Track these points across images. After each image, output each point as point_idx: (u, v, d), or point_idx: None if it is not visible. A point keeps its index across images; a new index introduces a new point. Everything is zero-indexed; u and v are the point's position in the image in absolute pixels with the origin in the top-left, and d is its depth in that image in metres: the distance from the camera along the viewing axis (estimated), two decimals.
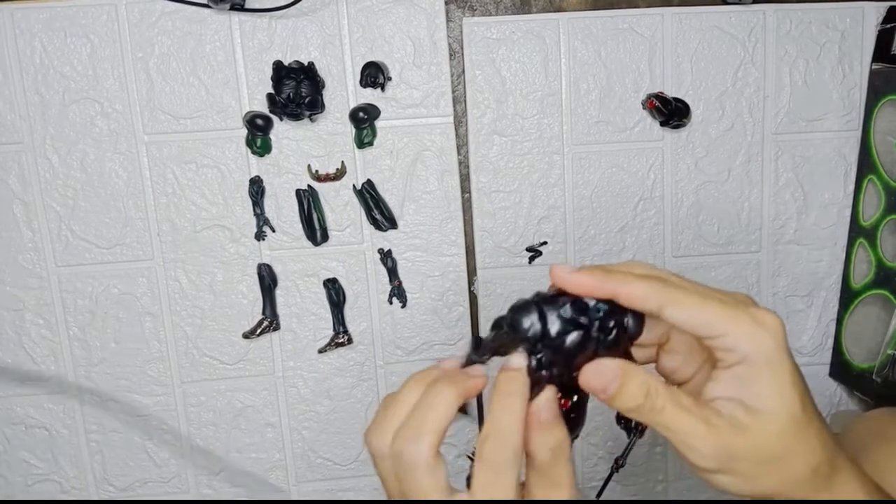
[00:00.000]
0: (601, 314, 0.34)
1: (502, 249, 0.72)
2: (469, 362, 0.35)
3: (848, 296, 0.73)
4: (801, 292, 0.74)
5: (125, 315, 0.71)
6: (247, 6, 0.65)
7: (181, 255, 0.70)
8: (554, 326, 0.33)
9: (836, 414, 0.77)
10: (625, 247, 0.72)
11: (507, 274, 0.72)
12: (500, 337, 0.34)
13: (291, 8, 0.64)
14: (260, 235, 0.70)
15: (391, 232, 0.70)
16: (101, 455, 0.73)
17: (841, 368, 0.74)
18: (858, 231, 0.72)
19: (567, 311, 0.33)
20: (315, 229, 0.69)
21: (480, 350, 0.35)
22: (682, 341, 0.37)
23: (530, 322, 0.33)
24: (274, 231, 0.70)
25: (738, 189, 0.72)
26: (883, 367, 0.68)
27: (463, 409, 0.40)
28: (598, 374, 0.33)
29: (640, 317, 0.35)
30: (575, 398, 0.35)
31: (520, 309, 0.33)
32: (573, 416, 0.36)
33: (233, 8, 0.65)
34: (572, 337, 0.33)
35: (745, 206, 0.72)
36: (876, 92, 0.69)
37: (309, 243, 0.70)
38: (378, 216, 0.69)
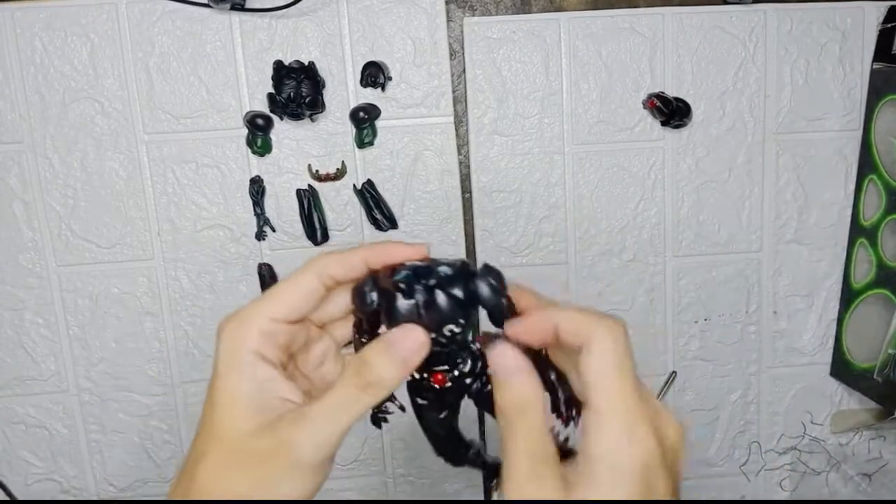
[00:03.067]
0: (443, 276, 0.32)
1: (503, 249, 0.72)
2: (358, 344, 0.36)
3: (849, 295, 0.73)
4: (802, 292, 0.74)
5: (125, 315, 0.71)
6: (247, 6, 0.65)
7: (181, 255, 0.70)
8: (391, 297, 0.32)
9: (836, 414, 0.77)
10: (625, 247, 0.72)
11: (508, 274, 0.72)
12: (355, 314, 0.35)
13: (292, 8, 0.64)
14: (260, 235, 0.70)
15: (391, 232, 0.70)
16: (100, 455, 0.73)
17: (842, 368, 0.74)
18: (859, 231, 0.72)
19: (403, 276, 0.32)
20: (315, 229, 0.69)
21: (359, 332, 0.35)
22: None
23: (371, 298, 0.33)
24: (274, 231, 0.70)
25: (739, 189, 0.72)
26: (884, 367, 0.68)
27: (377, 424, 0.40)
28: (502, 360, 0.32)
29: (494, 280, 0.34)
30: (455, 372, 0.34)
31: (358, 286, 0.33)
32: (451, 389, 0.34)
33: (233, 8, 0.65)
34: (405, 305, 0.32)
35: (745, 206, 0.72)
36: (877, 91, 0.69)
37: (309, 243, 0.70)
38: (378, 216, 0.69)
